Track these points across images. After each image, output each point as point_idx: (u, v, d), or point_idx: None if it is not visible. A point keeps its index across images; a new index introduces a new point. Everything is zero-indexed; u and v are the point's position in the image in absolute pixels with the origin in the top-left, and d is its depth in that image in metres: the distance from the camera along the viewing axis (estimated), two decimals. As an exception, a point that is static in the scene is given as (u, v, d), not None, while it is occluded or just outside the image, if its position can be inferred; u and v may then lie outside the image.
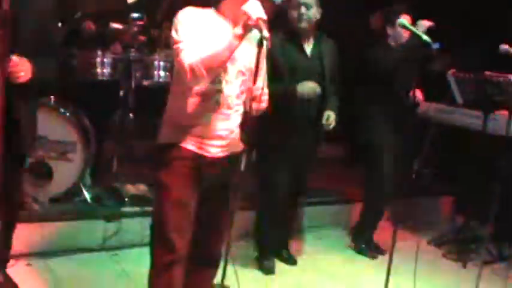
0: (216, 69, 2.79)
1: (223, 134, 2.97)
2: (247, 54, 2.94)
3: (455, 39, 7.07)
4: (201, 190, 2.99)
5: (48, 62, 3.11)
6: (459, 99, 5.36)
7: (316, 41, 4.30)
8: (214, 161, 2.98)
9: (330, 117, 4.19)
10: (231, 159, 3.04)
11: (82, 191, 4.61)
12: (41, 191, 4.44)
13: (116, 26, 4.86)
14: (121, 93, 4.84)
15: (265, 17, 2.68)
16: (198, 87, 2.86)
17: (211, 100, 2.90)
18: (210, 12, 2.94)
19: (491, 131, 5.11)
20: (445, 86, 5.40)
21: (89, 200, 4.60)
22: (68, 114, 4.53)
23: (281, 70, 4.08)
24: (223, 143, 2.99)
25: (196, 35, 2.79)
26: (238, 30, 2.71)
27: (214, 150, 2.98)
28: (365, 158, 4.98)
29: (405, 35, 4.64)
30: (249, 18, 2.67)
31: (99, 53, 4.71)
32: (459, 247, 5.28)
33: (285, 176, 4.27)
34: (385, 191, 4.83)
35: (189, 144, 2.93)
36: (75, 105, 4.66)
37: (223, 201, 3.08)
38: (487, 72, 5.02)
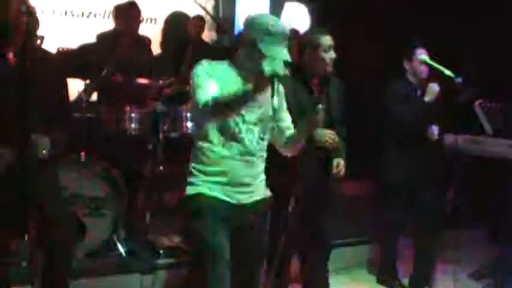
0: (222, 117, 2.92)
1: (248, 180, 3.04)
2: (266, 101, 3.00)
3: (479, 70, 7.09)
4: (232, 237, 3.03)
5: (63, 126, 3.23)
6: (488, 130, 5.32)
7: (324, 83, 4.12)
8: (242, 208, 3.05)
9: (339, 165, 4.06)
10: (259, 205, 3.10)
11: (116, 245, 4.65)
12: (76, 247, 4.48)
13: (143, 81, 4.96)
14: (149, 146, 4.92)
15: (282, 72, 2.76)
16: (221, 137, 2.96)
17: (234, 148, 2.98)
18: (225, 64, 3.04)
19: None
20: (472, 117, 5.38)
21: (123, 253, 4.64)
22: (99, 170, 4.61)
23: (292, 115, 4.01)
24: (249, 189, 3.06)
25: (211, 84, 2.89)
26: (251, 88, 2.83)
27: (241, 196, 3.05)
28: (387, 196, 4.92)
29: (424, 69, 4.64)
30: (263, 80, 2.78)
31: (127, 108, 4.81)
32: (498, 279, 5.17)
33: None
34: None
35: (216, 192, 2.99)
36: (105, 161, 4.75)
37: (253, 245, 3.13)
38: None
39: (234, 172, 3.00)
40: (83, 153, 4.66)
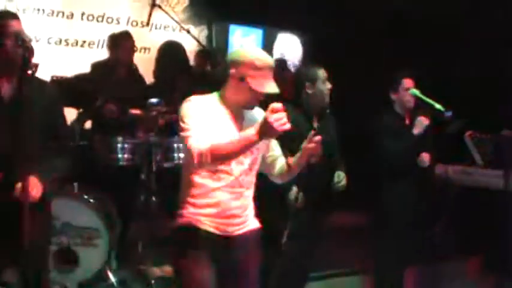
0: (222, 161, 2.89)
1: (237, 212, 3.04)
2: None
3: (469, 102, 7.17)
4: (221, 269, 3.03)
5: (58, 160, 3.24)
6: (479, 160, 5.37)
7: (321, 117, 4.26)
8: (233, 240, 3.05)
9: (340, 176, 4.17)
10: (249, 236, 3.11)
11: (108, 275, 4.64)
12: (69, 277, 4.48)
13: (135, 111, 4.99)
14: (142, 176, 4.93)
15: (288, 127, 2.70)
16: (209, 168, 2.94)
17: (223, 180, 2.98)
18: (213, 99, 3.03)
19: (512, 189, 5.09)
20: (463, 148, 5.43)
21: (115, 284, 4.63)
22: (91, 200, 4.62)
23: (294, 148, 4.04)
24: (239, 220, 3.06)
25: (201, 123, 2.88)
26: (255, 137, 2.74)
27: (231, 228, 3.04)
28: (379, 228, 4.93)
29: (411, 99, 4.66)
30: (270, 129, 2.68)
31: (120, 139, 4.84)
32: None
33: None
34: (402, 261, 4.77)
35: (206, 225, 3.00)
36: (98, 191, 4.76)
37: (244, 277, 3.12)
38: (505, 132, 5.06)
39: (224, 204, 3.00)
40: (76, 183, 4.67)
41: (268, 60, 3.00)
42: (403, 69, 4.83)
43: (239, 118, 3.04)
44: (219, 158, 2.81)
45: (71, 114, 4.99)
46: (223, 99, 3.02)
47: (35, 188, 3.04)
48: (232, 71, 2.96)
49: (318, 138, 3.05)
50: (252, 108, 3.05)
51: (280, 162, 3.25)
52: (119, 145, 4.84)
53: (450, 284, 5.73)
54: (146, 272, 4.80)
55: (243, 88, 2.94)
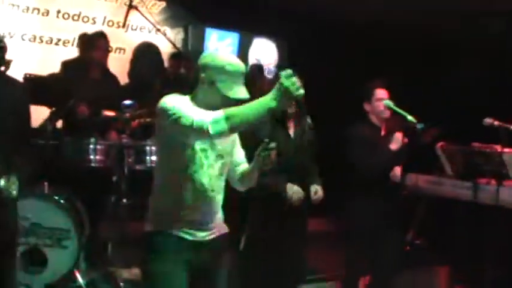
0: (238, 129, 2.81)
1: (208, 217, 3.06)
2: (225, 139, 3.02)
3: (442, 113, 7.26)
4: (192, 275, 3.02)
5: (23, 160, 3.21)
6: (449, 171, 5.42)
7: (295, 123, 4.19)
8: (203, 245, 3.04)
9: (318, 191, 4.14)
10: (218, 242, 3.12)
11: (77, 277, 4.61)
12: (36, 278, 4.44)
13: (108, 113, 4.96)
14: (114, 178, 4.91)
15: (302, 91, 2.67)
16: (180, 174, 2.95)
17: (194, 185, 2.97)
18: (186, 99, 3.00)
19: (481, 201, 5.15)
20: (433, 158, 5.48)
21: (83, 286, 4.60)
22: (61, 201, 4.58)
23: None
24: (209, 226, 3.07)
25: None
26: (273, 103, 2.67)
27: (201, 234, 3.04)
28: (348, 236, 4.95)
29: (386, 110, 4.67)
30: (286, 93, 2.65)
31: (92, 140, 4.81)
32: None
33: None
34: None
35: (176, 230, 2.98)
36: (68, 192, 4.72)
37: (212, 283, 3.12)
38: (475, 144, 5.12)
39: (194, 209, 3.00)
40: (46, 184, 4.63)
41: (240, 65, 2.99)
42: (376, 79, 4.84)
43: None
44: (235, 124, 2.71)
45: (43, 113, 4.96)
46: (194, 101, 2.99)
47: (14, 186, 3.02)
48: (203, 75, 2.96)
49: (271, 146, 3.06)
50: None
51: (243, 168, 3.26)
52: (91, 146, 4.81)
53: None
54: (115, 273, 4.77)
55: (213, 92, 2.94)
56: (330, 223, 6.91)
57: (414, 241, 6.51)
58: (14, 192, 3.01)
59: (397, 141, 4.56)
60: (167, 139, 2.96)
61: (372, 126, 4.76)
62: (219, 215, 3.16)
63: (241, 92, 2.95)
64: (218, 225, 3.14)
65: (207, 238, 3.06)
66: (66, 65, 5.58)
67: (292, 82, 2.62)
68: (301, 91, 2.65)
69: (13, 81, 3.38)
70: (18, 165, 3.13)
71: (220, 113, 2.72)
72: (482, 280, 4.60)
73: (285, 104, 2.70)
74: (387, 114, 4.68)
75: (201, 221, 3.03)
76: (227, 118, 2.70)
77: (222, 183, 3.13)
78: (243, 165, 3.26)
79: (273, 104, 2.66)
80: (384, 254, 4.72)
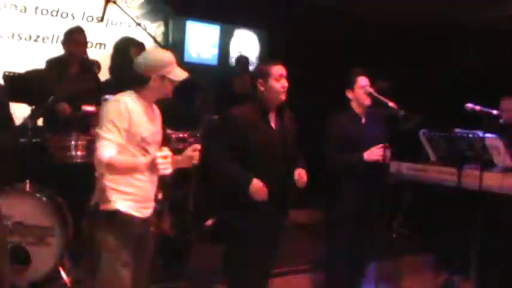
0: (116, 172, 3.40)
1: (151, 196, 3.57)
2: (158, 125, 3.63)
3: (424, 99, 7.29)
4: (137, 248, 3.50)
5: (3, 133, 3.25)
6: (432, 157, 5.44)
7: (278, 114, 4.16)
8: (146, 221, 3.55)
9: (301, 172, 4.04)
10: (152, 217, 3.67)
11: (61, 275, 4.58)
12: (20, 277, 4.41)
13: (89, 108, 4.91)
14: (96, 174, 4.85)
15: (169, 172, 3.22)
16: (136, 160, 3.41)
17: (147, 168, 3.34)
18: (131, 96, 3.46)
19: (465, 186, 5.17)
20: (418, 145, 5.49)
21: (68, 284, 4.57)
22: (44, 198, 4.55)
23: (249, 143, 4.00)
24: (150, 204, 3.58)
25: (119, 126, 3.33)
26: (144, 167, 3.30)
27: (146, 211, 3.54)
28: (332, 226, 4.94)
29: (367, 98, 4.68)
30: (155, 169, 3.20)
31: (73, 136, 4.77)
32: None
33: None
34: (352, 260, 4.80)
35: (130, 209, 3.43)
36: (51, 189, 4.68)
37: (146, 254, 3.64)
38: (457, 129, 5.13)
39: (145, 191, 3.49)
40: (28, 181, 4.58)
41: (170, 53, 3.58)
42: (358, 67, 4.84)
43: (150, 109, 3.55)
44: (112, 170, 3.33)
45: (23, 110, 4.92)
46: (141, 96, 3.47)
47: None
48: (153, 75, 3.43)
49: (196, 146, 3.53)
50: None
51: None
52: (73, 142, 4.75)
53: (406, 278, 5.81)
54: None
55: (165, 84, 3.47)
56: (315, 214, 6.94)
57: (400, 229, 6.55)
58: None
59: (372, 154, 4.54)
60: None
61: (353, 114, 4.78)
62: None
63: (183, 73, 3.52)
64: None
65: (148, 215, 3.59)
66: (48, 62, 5.53)
67: (162, 162, 3.15)
68: (168, 171, 3.19)
69: None
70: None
71: (107, 157, 3.29)
72: (468, 267, 4.61)
73: (153, 173, 3.40)
74: (368, 101, 4.70)
75: (146, 199, 3.55)
76: (108, 165, 3.30)
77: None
78: None
79: (144, 168, 3.31)
80: (371, 241, 4.74)
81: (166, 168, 3.17)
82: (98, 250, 3.44)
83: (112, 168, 3.30)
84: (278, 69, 4.06)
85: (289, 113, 4.25)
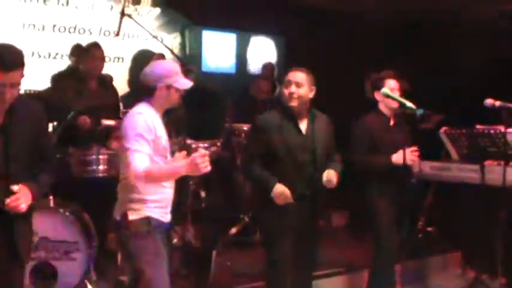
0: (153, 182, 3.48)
1: (171, 201, 3.67)
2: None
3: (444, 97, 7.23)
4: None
5: (45, 177, 3.29)
6: (454, 155, 5.40)
7: (310, 119, 4.19)
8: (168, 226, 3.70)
9: (330, 173, 4.05)
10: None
11: (88, 288, 4.62)
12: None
13: (108, 122, 4.96)
14: (119, 187, 4.89)
15: (208, 169, 3.28)
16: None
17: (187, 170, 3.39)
18: (149, 108, 3.54)
19: (488, 182, 5.11)
20: (438, 144, 5.46)
21: (95, 296, 4.61)
22: (67, 213, 4.58)
23: (277, 148, 4.08)
24: (169, 209, 3.66)
25: (148, 137, 3.41)
26: (182, 170, 3.35)
27: (168, 216, 3.66)
28: (369, 225, 4.91)
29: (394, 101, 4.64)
30: (195, 168, 3.27)
31: (94, 150, 4.81)
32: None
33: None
34: (391, 256, 4.76)
35: (154, 214, 3.52)
36: (74, 204, 4.73)
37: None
38: (478, 126, 5.10)
39: (168, 197, 3.62)
40: (51, 197, 4.63)
41: (176, 63, 3.80)
42: (387, 69, 4.84)
43: (161, 119, 3.62)
44: (150, 180, 3.40)
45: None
46: (154, 107, 3.56)
47: (25, 198, 3.04)
48: (159, 85, 3.53)
49: (204, 153, 3.40)
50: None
51: None
52: (94, 156, 4.81)
53: (433, 278, 5.77)
54: (126, 282, 4.76)
55: (172, 93, 3.58)
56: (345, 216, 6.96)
57: (425, 228, 6.51)
58: (23, 206, 3.04)
59: (400, 158, 4.48)
60: None
61: (381, 116, 4.77)
62: None
63: (188, 82, 3.63)
64: None
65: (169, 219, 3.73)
66: (58, 77, 5.58)
67: (202, 160, 3.23)
68: (207, 169, 3.27)
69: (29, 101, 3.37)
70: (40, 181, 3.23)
71: (142, 169, 3.34)
72: (494, 263, 4.56)
73: (192, 174, 3.43)
74: (396, 104, 4.65)
75: (168, 206, 3.67)
76: (146, 175, 3.34)
77: None
78: None
79: (182, 171, 3.35)
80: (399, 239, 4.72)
81: (206, 166, 3.25)
82: (133, 258, 3.53)
83: (150, 178, 3.37)
84: (288, 76, 4.18)
85: (324, 117, 4.30)
